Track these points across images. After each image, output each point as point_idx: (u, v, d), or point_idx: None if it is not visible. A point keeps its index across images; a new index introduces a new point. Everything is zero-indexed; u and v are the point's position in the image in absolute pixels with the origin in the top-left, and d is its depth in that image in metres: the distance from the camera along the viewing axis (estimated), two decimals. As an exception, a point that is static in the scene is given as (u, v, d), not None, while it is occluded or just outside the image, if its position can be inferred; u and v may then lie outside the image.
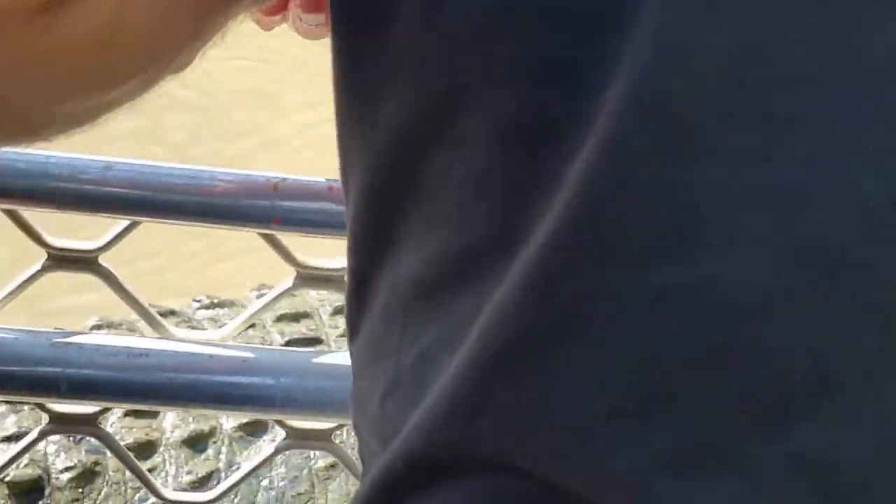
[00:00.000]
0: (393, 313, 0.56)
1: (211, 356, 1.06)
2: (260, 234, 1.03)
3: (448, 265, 0.52)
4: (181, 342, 1.07)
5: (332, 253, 1.06)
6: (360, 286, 0.58)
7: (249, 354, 1.06)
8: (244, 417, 2.12)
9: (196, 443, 2.36)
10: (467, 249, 0.51)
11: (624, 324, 0.46)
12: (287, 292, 1.06)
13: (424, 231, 0.53)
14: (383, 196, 0.55)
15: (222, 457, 2.38)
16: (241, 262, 3.44)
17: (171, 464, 2.37)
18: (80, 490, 2.32)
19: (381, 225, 0.56)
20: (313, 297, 2.52)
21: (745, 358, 0.45)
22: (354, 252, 0.58)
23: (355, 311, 0.59)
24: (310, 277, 1.06)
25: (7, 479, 2.29)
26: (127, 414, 2.23)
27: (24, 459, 2.19)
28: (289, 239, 1.05)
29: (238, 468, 2.37)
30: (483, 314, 0.50)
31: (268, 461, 1.12)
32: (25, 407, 2.15)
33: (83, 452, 2.24)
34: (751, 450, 0.45)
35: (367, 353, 0.59)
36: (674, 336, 0.46)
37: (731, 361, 0.45)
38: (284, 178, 1.00)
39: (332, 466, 2.38)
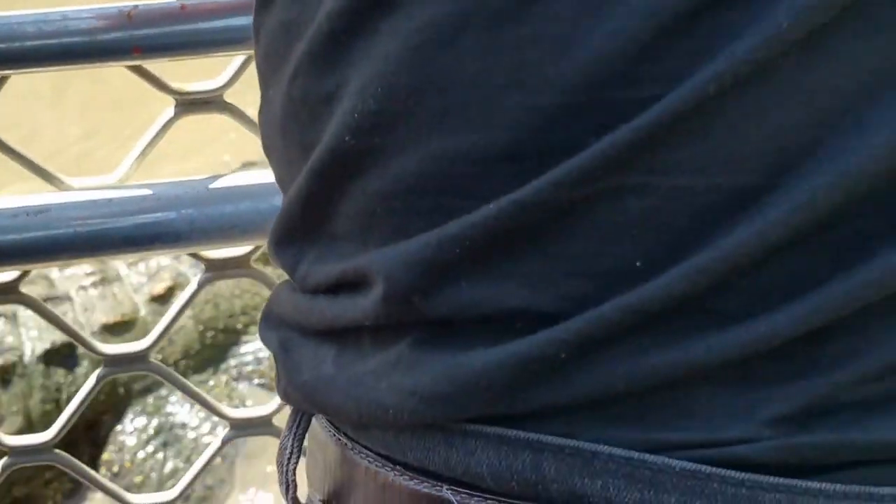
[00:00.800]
0: None
1: (110, 200, 1.04)
2: (127, 67, 1.00)
3: None
4: (78, 192, 1.05)
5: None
6: None
7: (147, 192, 1.05)
8: (155, 256, 2.12)
9: None
10: None
11: None
12: (170, 122, 1.04)
13: None
14: None
15: None
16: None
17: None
18: None
19: None
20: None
21: None
22: None
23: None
24: (189, 103, 1.03)
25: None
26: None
27: None
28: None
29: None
30: None
31: (193, 298, 1.11)
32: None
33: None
34: None
35: (279, 31, 0.57)
36: None
37: None
38: (136, 6, 0.97)
39: None
